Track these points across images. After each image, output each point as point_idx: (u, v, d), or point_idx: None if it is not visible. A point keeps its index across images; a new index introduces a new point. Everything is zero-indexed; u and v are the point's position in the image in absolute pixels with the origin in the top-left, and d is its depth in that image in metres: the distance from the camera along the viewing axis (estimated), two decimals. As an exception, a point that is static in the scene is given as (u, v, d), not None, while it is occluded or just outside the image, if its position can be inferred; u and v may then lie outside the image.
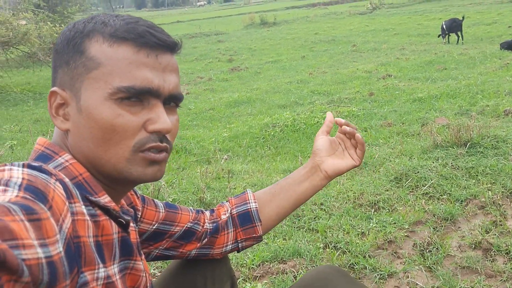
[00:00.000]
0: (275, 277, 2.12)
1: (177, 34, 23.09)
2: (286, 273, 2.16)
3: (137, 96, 0.69)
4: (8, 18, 11.18)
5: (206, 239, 1.05)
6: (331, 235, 2.50)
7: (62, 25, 16.60)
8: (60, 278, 0.50)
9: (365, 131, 4.89)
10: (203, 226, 1.05)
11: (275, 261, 2.28)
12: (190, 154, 4.67)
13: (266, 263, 2.27)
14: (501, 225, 2.42)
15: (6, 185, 0.54)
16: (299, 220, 2.70)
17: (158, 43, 0.71)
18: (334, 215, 2.73)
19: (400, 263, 2.23)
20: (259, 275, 2.18)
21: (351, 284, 0.93)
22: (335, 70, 9.77)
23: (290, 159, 4.26)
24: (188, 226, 1.02)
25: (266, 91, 8.11)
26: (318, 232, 2.55)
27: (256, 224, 1.08)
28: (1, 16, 11.28)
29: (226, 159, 4.38)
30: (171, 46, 0.74)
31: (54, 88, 0.73)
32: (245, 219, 1.07)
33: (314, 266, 2.21)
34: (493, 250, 2.20)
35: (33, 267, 0.45)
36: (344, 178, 3.37)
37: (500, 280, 1.99)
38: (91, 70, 0.69)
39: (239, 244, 1.10)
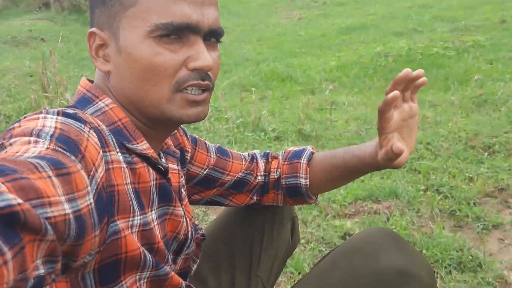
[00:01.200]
0: (366, 217, 2.04)
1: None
2: (379, 214, 2.07)
3: (176, 33, 0.66)
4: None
5: (256, 196, 1.02)
6: (434, 177, 2.33)
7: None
8: (89, 230, 0.50)
9: (490, 64, 4.40)
10: (255, 178, 1.00)
11: (369, 200, 2.19)
12: (296, 83, 4.59)
13: (359, 201, 2.19)
14: None
15: (38, 135, 0.53)
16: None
17: None
18: (440, 156, 2.53)
19: (510, 213, 2.03)
20: (351, 213, 2.11)
21: (403, 252, 0.84)
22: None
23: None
24: (239, 176, 0.98)
25: (383, 17, 7.58)
26: (420, 173, 2.39)
27: (306, 199, 1.01)
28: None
29: (332, 89, 4.23)
30: None
31: (93, 29, 0.70)
32: (294, 192, 1.01)
33: (411, 209, 2.09)
34: None
35: (59, 224, 0.44)
36: (458, 115, 3.09)
37: None
38: (128, 8, 0.66)
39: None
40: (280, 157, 1.04)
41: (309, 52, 6.01)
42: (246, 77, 4.81)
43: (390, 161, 0.81)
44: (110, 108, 0.69)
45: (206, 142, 0.98)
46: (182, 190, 0.83)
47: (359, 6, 9.20)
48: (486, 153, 2.53)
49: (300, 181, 0.99)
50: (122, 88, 0.69)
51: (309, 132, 3.01)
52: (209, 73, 0.70)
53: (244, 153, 1.03)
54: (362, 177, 2.36)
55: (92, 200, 0.52)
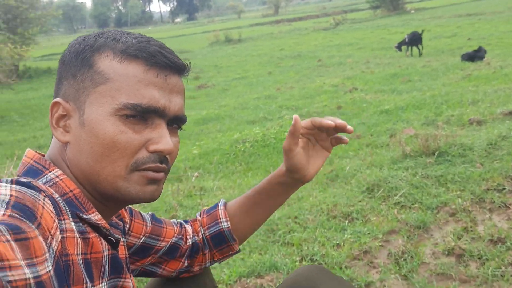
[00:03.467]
0: (253, 293, 2.09)
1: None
2: (264, 288, 2.14)
3: (142, 115, 0.69)
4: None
5: (187, 260, 1.03)
6: (306, 248, 2.49)
7: (23, 46, 16.26)
8: None
9: (335, 143, 4.93)
10: (186, 242, 1.03)
11: (252, 276, 2.25)
12: (161, 172, 4.60)
13: (243, 279, 2.24)
14: (472, 231, 2.47)
15: None
16: (274, 234, 2.69)
17: (169, 64, 0.72)
18: (308, 227, 2.73)
19: (376, 272, 2.24)
20: (237, 291, 2.14)
21: (335, 281, 0.93)
22: (302, 85, 9.88)
23: (262, 174, 4.25)
24: (173, 241, 1.00)
25: (235, 108, 8.11)
26: (293, 245, 2.54)
27: (231, 243, 1.05)
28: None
29: (197, 176, 4.34)
30: (180, 68, 0.75)
31: (58, 99, 0.71)
32: (219, 240, 1.04)
33: (291, 280, 2.19)
34: (466, 256, 2.23)
35: None
36: (316, 190, 3.38)
37: (474, 285, 2.02)
38: (99, 85, 0.68)
39: (217, 262, 1.09)
40: (198, 217, 1.07)
41: (169, 143, 6.12)
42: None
43: (294, 173, 0.93)
44: (61, 179, 0.68)
45: (140, 211, 0.99)
46: (128, 262, 0.83)
47: (210, 99, 9.73)
48: (347, 221, 2.79)
49: (222, 225, 1.03)
50: (78, 161, 0.69)
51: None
52: (167, 156, 0.72)
53: (172, 220, 1.05)
54: (241, 255, 2.44)
55: (51, 268, 0.51)
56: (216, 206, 1.08)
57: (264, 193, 1.02)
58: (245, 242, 2.58)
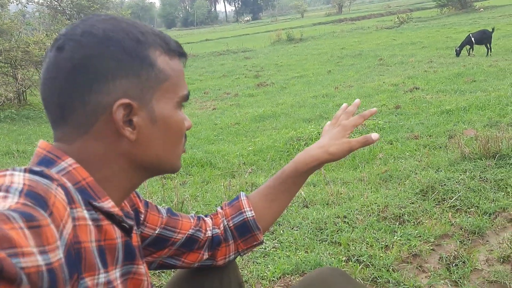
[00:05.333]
0: (295, 290, 2.09)
1: (205, 52, 23.42)
2: (307, 286, 2.13)
3: None
4: (42, 39, 11.55)
5: (207, 252, 1.05)
6: (354, 248, 2.45)
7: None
8: (60, 285, 0.50)
9: (391, 143, 4.82)
10: (205, 234, 1.04)
11: (296, 274, 2.25)
12: (215, 168, 4.69)
13: (287, 276, 2.24)
14: (531, 238, 2.33)
15: (7, 191, 0.54)
16: (321, 232, 2.67)
17: (184, 54, 0.81)
18: (357, 228, 2.69)
19: (425, 277, 2.17)
20: (280, 287, 2.15)
21: (350, 286, 0.92)
22: (361, 84, 9.71)
23: (314, 172, 4.22)
24: (190, 233, 1.02)
25: (291, 106, 8.11)
26: (340, 245, 2.51)
27: (256, 233, 1.06)
28: (36, 37, 11.67)
29: (250, 172, 4.38)
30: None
31: (127, 100, 0.70)
32: (244, 230, 1.06)
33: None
34: (522, 264, 2.12)
35: (32, 275, 0.45)
36: (368, 190, 3.32)
37: (530, 295, 1.92)
38: (163, 82, 0.74)
39: (241, 253, 1.10)
40: (219, 209, 1.10)
41: (225, 139, 6.22)
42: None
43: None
44: (74, 168, 0.70)
45: (156, 204, 1.01)
46: (141, 249, 0.85)
47: (268, 97, 9.77)
48: (398, 223, 2.72)
49: (246, 215, 1.05)
50: (145, 154, 0.75)
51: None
52: None
53: (190, 214, 1.07)
54: (287, 252, 2.44)
55: (62, 255, 0.53)
56: (238, 197, 1.09)
57: (289, 181, 1.07)
58: (291, 239, 2.59)
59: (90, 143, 0.71)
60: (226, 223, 1.06)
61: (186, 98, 0.79)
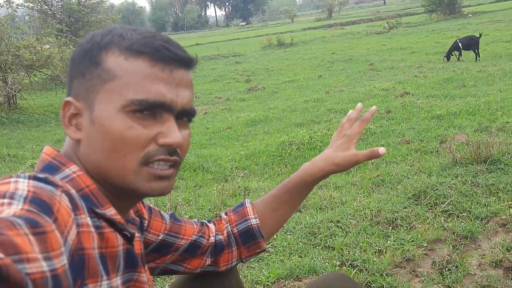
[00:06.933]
0: (290, 295, 2.09)
1: (196, 56, 23.33)
2: (302, 291, 2.13)
3: (149, 110, 0.70)
4: (32, 43, 11.46)
5: (210, 258, 1.05)
6: (347, 252, 2.46)
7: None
8: None
9: (383, 148, 4.84)
10: (208, 240, 1.04)
11: (290, 278, 2.25)
12: (207, 172, 4.68)
13: (282, 280, 2.24)
14: (523, 242, 2.36)
15: (11, 197, 0.54)
16: (315, 237, 2.67)
17: (173, 58, 0.72)
18: (350, 232, 2.70)
19: (419, 281, 2.19)
20: (274, 292, 2.15)
21: None
22: (352, 88, 9.75)
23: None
24: (193, 239, 1.02)
25: (283, 110, 8.12)
26: (334, 249, 2.52)
27: (259, 241, 1.07)
28: (26, 41, 11.58)
29: (243, 176, 4.38)
30: (186, 62, 0.74)
31: (69, 98, 0.73)
32: (247, 237, 1.06)
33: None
34: (515, 268, 2.14)
35: (37, 280, 0.45)
36: (361, 195, 3.33)
37: (523, 299, 1.94)
38: (107, 82, 0.70)
39: (243, 260, 1.10)
40: (224, 215, 1.09)
41: (217, 143, 6.21)
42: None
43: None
44: (78, 175, 0.70)
45: (160, 210, 1.01)
46: (144, 257, 0.85)
47: (259, 102, 9.77)
48: (391, 227, 2.74)
49: (251, 222, 1.05)
50: (90, 157, 0.71)
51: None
52: (178, 150, 0.74)
53: (193, 219, 1.07)
54: (282, 257, 2.44)
55: (66, 262, 0.53)
56: (242, 204, 1.09)
57: (294, 191, 1.06)
58: (285, 244, 2.59)
59: (67, 143, 0.76)
60: (230, 229, 1.07)
61: (141, 104, 0.69)
